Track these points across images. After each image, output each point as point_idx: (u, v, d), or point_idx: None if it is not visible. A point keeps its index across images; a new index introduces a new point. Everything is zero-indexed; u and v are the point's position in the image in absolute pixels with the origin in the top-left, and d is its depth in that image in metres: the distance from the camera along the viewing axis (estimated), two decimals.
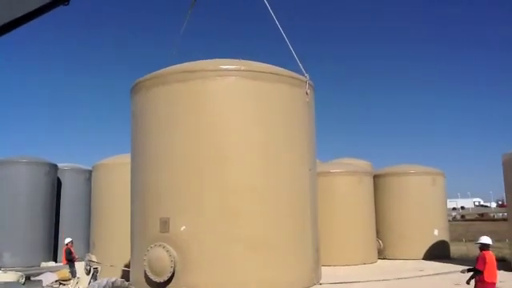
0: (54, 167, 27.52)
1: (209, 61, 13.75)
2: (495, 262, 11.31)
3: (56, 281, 12.74)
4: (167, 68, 13.89)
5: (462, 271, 11.80)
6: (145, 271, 12.95)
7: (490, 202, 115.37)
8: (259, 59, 14.04)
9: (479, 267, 11.07)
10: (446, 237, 27.11)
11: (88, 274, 11.32)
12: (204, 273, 12.61)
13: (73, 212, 27.84)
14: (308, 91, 14.05)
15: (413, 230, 25.77)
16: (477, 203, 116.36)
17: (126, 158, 21.93)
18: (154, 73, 13.92)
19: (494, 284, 11.22)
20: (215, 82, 13.10)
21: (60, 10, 12.52)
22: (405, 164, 28.93)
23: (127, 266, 18.06)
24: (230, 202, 12.81)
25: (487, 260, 11.10)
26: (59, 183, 28.25)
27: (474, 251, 25.40)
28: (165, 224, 12.94)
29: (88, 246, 23.30)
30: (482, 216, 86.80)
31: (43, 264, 18.04)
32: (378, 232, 25.82)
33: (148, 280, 12.99)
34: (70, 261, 17.19)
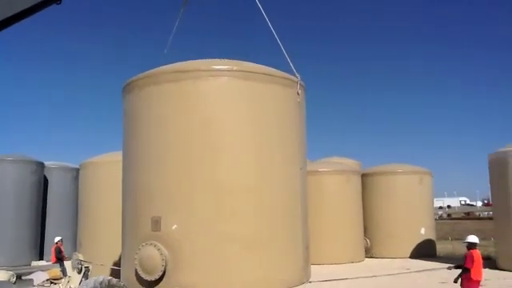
0: (41, 165, 27.42)
1: (201, 61, 13.95)
2: (481, 261, 11.69)
3: (47, 280, 12.82)
4: (160, 68, 14.06)
5: (449, 268, 12.16)
6: (136, 270, 13.13)
7: (476, 200, 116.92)
8: (250, 59, 14.30)
9: (468, 265, 11.42)
10: (432, 235, 27.57)
11: (79, 272, 11.44)
12: (195, 272, 12.82)
13: (60, 211, 27.75)
14: (299, 91, 14.31)
15: (400, 228, 26.16)
16: (463, 202, 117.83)
17: (113, 157, 22.09)
18: (146, 72, 14.08)
19: (479, 282, 11.59)
20: (207, 82, 13.31)
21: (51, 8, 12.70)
22: (392, 163, 29.35)
23: (116, 264, 18.23)
24: (221, 202, 13.04)
25: (475, 258, 11.46)
26: (46, 182, 28.09)
27: (460, 250, 25.95)
28: (156, 223, 13.13)
29: (75, 245, 23.30)
30: (468, 215, 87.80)
31: (34, 263, 18.08)
32: (365, 230, 26.18)
33: (139, 278, 13.16)
34: (60, 259, 17.29)
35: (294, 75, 14.47)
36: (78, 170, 25.55)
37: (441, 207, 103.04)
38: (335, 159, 31.17)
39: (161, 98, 13.55)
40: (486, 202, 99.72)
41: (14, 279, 11.21)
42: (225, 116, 13.30)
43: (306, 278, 14.55)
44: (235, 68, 13.48)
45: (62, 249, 18.97)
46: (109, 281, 10.65)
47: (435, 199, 39.62)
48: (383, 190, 27.17)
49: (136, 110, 14.08)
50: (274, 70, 14.07)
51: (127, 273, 13.78)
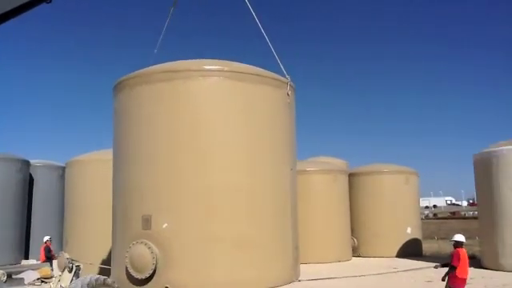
0: (26, 163, 27.15)
1: (192, 61, 14.20)
2: (467, 259, 12.05)
3: (38, 279, 12.94)
4: (151, 67, 14.28)
5: (436, 266, 12.50)
6: (126, 268, 13.38)
7: (462, 200, 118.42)
8: (242, 60, 14.56)
9: (454, 263, 11.76)
10: (418, 235, 27.91)
11: (70, 271, 11.57)
12: (185, 270, 13.12)
13: (45, 209, 27.54)
14: (289, 92, 14.62)
15: (386, 228, 26.40)
16: (449, 202, 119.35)
17: (100, 155, 22.19)
18: (137, 71, 14.30)
19: (465, 280, 11.95)
20: (198, 82, 13.58)
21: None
22: (379, 163, 29.63)
23: (104, 263, 18.34)
24: (211, 201, 13.33)
25: (461, 257, 11.80)
26: (31, 180, 27.84)
27: (446, 249, 26.38)
28: (147, 221, 13.37)
29: (61, 244, 23.28)
30: (454, 214, 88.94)
31: (24, 262, 18.10)
32: (352, 230, 26.38)
33: (129, 277, 13.43)
34: (49, 258, 17.36)
35: (284, 76, 14.76)
36: (63, 169, 25.51)
37: (427, 207, 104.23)
38: (322, 159, 31.36)
39: (151, 98, 13.78)
40: (471, 201, 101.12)
41: (5, 278, 11.31)
42: (215, 116, 13.56)
43: (295, 276, 14.88)
44: (226, 68, 13.75)
45: (52, 248, 19.01)
46: (99, 279, 10.78)
47: (421, 199, 40.11)
48: (370, 189, 27.38)
49: (127, 109, 14.29)
50: (264, 70, 14.36)
51: (118, 271, 13.99)
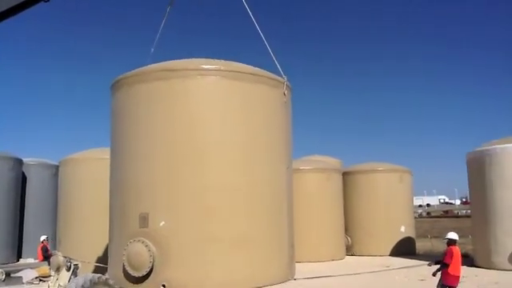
0: (19, 162, 27.14)
1: (190, 60, 14.43)
2: (460, 257, 12.37)
3: (36, 277, 13.11)
4: (149, 66, 14.51)
5: (429, 264, 12.82)
6: (123, 266, 13.58)
7: (455, 199, 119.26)
8: (237, 58, 14.82)
9: (446, 261, 12.09)
10: (412, 233, 28.25)
11: (68, 270, 11.77)
12: (182, 268, 13.36)
13: (38, 208, 27.61)
14: (286, 92, 14.89)
15: (380, 226, 26.71)
16: (442, 200, 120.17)
17: (93, 153, 22.36)
18: (135, 70, 14.51)
19: (458, 277, 12.26)
20: (196, 81, 13.82)
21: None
22: (373, 162, 29.94)
23: (99, 261, 18.52)
24: (208, 200, 13.58)
25: (454, 254, 12.13)
26: (24, 178, 27.85)
27: (439, 247, 26.72)
28: (144, 219, 13.59)
29: (55, 243, 23.37)
30: (447, 213, 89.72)
31: (22, 261, 18.23)
32: (346, 229, 26.66)
33: (126, 275, 13.64)
34: (46, 258, 17.55)
35: (281, 76, 15.03)
36: (57, 167, 25.54)
37: (420, 205, 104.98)
38: (316, 157, 31.54)
39: (149, 96, 14.00)
40: (464, 200, 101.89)
41: (3, 277, 11.49)
42: (212, 115, 13.81)
43: (291, 275, 15.16)
44: (223, 68, 13.99)
45: (49, 247, 19.18)
46: (97, 278, 10.98)
47: (415, 197, 40.46)
48: (364, 188, 27.66)
49: (124, 108, 14.49)
50: (261, 70, 14.62)
51: (115, 269, 14.19)
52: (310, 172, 25.57)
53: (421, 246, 30.02)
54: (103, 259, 18.89)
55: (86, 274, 11.44)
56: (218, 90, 13.94)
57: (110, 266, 14.84)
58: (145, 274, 13.34)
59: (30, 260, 19.69)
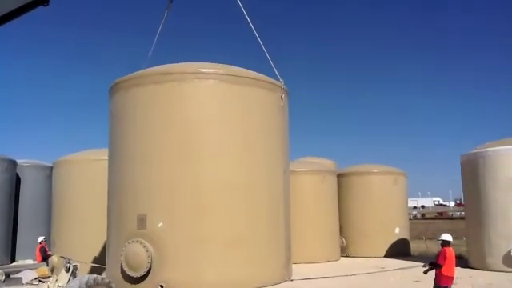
0: (13, 163, 27.14)
1: (187, 63, 14.70)
2: (454, 258, 12.70)
3: (36, 278, 13.30)
4: (146, 69, 14.77)
5: (424, 265, 13.16)
6: (121, 266, 13.84)
7: (449, 201, 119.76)
8: (235, 62, 15.09)
9: (440, 262, 12.43)
10: (406, 235, 28.57)
11: (67, 271, 12.00)
12: (180, 269, 13.64)
13: (32, 210, 27.64)
14: (283, 96, 15.20)
15: (375, 228, 26.96)
16: (436, 202, 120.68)
17: (88, 155, 22.54)
18: (133, 73, 14.76)
19: (452, 278, 12.59)
20: (193, 85, 14.09)
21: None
22: (368, 164, 30.23)
23: (95, 262, 18.74)
24: (205, 202, 13.87)
25: (447, 255, 12.45)
26: (18, 180, 27.86)
27: (433, 249, 27.05)
28: (142, 221, 13.85)
29: (49, 245, 23.49)
30: (441, 215, 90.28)
31: (21, 262, 18.39)
32: (341, 230, 26.90)
33: (124, 275, 13.89)
34: (45, 259, 17.76)
35: (278, 80, 15.33)
36: (51, 169, 25.59)
37: (415, 207, 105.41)
38: (311, 159, 31.72)
39: (147, 100, 14.26)
40: (458, 202, 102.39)
41: (3, 278, 11.69)
42: (209, 118, 14.10)
43: (287, 276, 15.45)
44: (221, 71, 14.27)
45: (47, 248, 19.35)
46: (96, 279, 11.18)
47: (409, 199, 40.70)
48: (358, 190, 27.92)
49: (122, 111, 14.75)
50: (258, 74, 14.92)
51: (112, 270, 14.44)
52: (305, 174, 25.78)
53: (415, 247, 30.34)
54: (98, 260, 19.14)
55: (85, 275, 11.67)
56: (215, 94, 14.21)
57: (107, 267, 15.08)
58: (143, 274, 13.60)
59: (29, 261, 19.83)
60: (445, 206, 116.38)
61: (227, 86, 14.22)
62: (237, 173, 14.17)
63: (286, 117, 15.81)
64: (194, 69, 14.27)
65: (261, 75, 14.97)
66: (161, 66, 14.87)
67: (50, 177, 26.34)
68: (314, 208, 25.25)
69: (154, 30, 16.61)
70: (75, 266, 12.31)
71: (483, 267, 20.05)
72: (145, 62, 15.78)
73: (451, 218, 75.69)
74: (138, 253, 13.57)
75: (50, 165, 26.20)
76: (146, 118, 14.15)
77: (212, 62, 14.67)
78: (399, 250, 27.08)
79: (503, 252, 19.51)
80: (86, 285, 10.68)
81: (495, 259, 19.76)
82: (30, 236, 26.73)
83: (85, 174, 21.77)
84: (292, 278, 15.88)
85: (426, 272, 12.81)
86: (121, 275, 13.93)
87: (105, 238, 18.42)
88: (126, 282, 13.91)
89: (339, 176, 28.20)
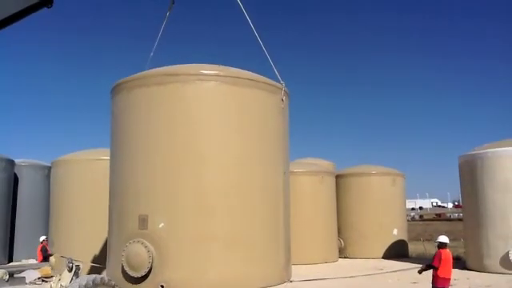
0: (11, 163, 27.31)
1: (190, 65, 14.93)
2: (451, 260, 12.97)
3: (39, 278, 13.48)
4: (149, 70, 15.00)
5: (421, 267, 13.45)
6: (122, 266, 14.04)
7: (447, 202, 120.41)
8: (237, 64, 15.34)
9: (434, 264, 12.76)
10: (404, 236, 28.86)
11: (70, 271, 12.20)
12: (181, 269, 13.82)
13: (30, 210, 27.85)
14: (283, 98, 15.44)
15: (373, 229, 27.24)
16: (434, 204, 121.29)
17: (86, 155, 22.73)
18: (135, 75, 14.97)
19: (447, 279, 12.87)
20: (195, 86, 14.32)
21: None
22: (366, 165, 30.50)
23: (95, 262, 18.95)
24: (207, 202, 14.07)
25: (442, 257, 12.75)
26: (16, 180, 28.03)
27: (431, 250, 27.34)
28: (143, 221, 14.06)
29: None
30: (439, 216, 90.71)
31: (24, 261, 18.57)
32: (339, 231, 27.17)
33: (125, 275, 14.08)
34: (46, 258, 17.99)
35: (279, 82, 15.57)
36: (49, 168, 25.75)
37: (413, 208, 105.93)
38: (309, 160, 32.00)
39: (149, 101, 14.47)
40: (456, 203, 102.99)
41: (7, 277, 11.89)
42: (211, 119, 14.32)
43: (287, 277, 15.68)
44: (222, 73, 14.50)
45: (48, 248, 19.55)
46: (99, 279, 11.35)
47: (407, 200, 41.01)
48: (357, 191, 28.17)
49: (124, 112, 14.95)
50: (259, 76, 15.15)
51: (113, 270, 14.64)
52: (304, 175, 26.01)
53: (413, 248, 30.62)
54: (96, 260, 19.34)
55: (88, 275, 11.88)
56: (216, 95, 14.42)
57: (108, 267, 15.28)
58: (144, 274, 13.75)
59: (32, 261, 20.01)
60: (443, 207, 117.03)
61: (228, 87, 14.44)
62: (238, 174, 14.39)
63: (287, 118, 16.06)
64: (195, 70, 14.48)
65: (262, 77, 15.19)
66: (163, 68, 15.08)
67: (48, 176, 26.50)
68: (313, 209, 25.48)
69: (151, 34, 16.81)
70: (78, 265, 12.48)
71: (481, 269, 20.30)
72: (147, 63, 16.01)
73: (449, 220, 76.17)
74: (139, 253, 13.77)
75: (48, 164, 26.33)
76: (149, 119, 14.36)
77: (213, 64, 14.91)
78: (397, 252, 27.34)
79: (501, 254, 19.75)
80: (89, 285, 10.85)
81: (493, 261, 20.00)
82: (27, 236, 26.96)
83: (83, 173, 21.94)
84: (291, 280, 16.12)
85: (420, 271, 13.12)
86: (122, 275, 14.09)
87: (103, 238, 18.70)
88: (126, 282, 14.09)
89: (337, 177, 28.45)
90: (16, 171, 28.09)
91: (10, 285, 11.92)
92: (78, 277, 12.10)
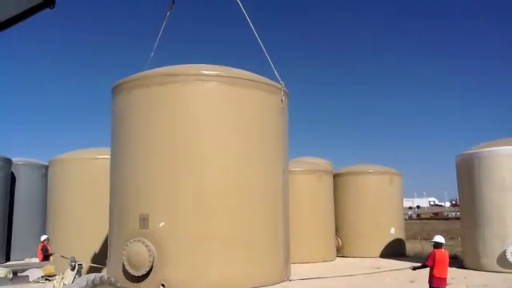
0: (8, 162, 27.43)
1: (190, 65, 15.15)
2: (447, 259, 13.20)
3: (42, 276, 13.61)
4: (150, 70, 15.21)
5: (413, 268, 13.75)
6: (123, 265, 14.29)
7: (445, 201, 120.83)
8: (237, 65, 15.57)
9: (428, 263, 13.06)
10: (402, 235, 28.99)
11: (73, 270, 12.37)
12: (181, 268, 14.09)
13: (28, 209, 27.98)
14: (283, 98, 15.69)
15: (370, 228, 27.33)
16: (432, 203, 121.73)
17: (83, 154, 22.88)
18: (136, 75, 15.19)
19: (443, 279, 13.11)
20: (195, 86, 14.56)
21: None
22: (364, 164, 30.65)
23: (94, 261, 19.17)
24: (207, 202, 14.34)
25: (436, 257, 13.00)
26: (13, 179, 28.13)
27: (429, 249, 27.35)
28: (144, 220, 14.31)
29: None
30: (437, 215, 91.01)
31: (27, 260, 18.65)
32: (336, 230, 27.33)
33: (126, 274, 14.34)
34: (47, 257, 18.17)
35: (279, 82, 15.82)
36: (46, 167, 25.83)
37: (410, 207, 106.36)
38: (307, 159, 32.02)
39: (149, 101, 14.70)
40: (453, 202, 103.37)
41: (11, 276, 12.01)
42: (211, 119, 14.57)
43: (286, 276, 15.94)
44: (222, 73, 14.74)
45: (49, 247, 19.69)
46: (102, 278, 11.52)
47: (405, 199, 41.19)
48: (354, 190, 28.25)
49: (124, 112, 15.17)
50: (259, 76, 15.39)
51: (114, 268, 14.87)
52: (301, 173, 26.04)
53: (411, 247, 30.75)
54: (94, 259, 19.54)
55: (90, 274, 12.06)
56: (216, 95, 14.66)
57: (109, 266, 15.50)
58: (144, 273, 14.01)
59: (35, 260, 20.11)
60: (440, 206, 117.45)
61: (228, 87, 14.67)
62: (237, 174, 14.63)
63: (286, 118, 16.31)
64: (195, 71, 14.70)
65: (261, 77, 15.43)
66: (164, 68, 15.30)
67: (45, 175, 26.51)
68: (310, 208, 25.54)
69: (151, 34, 17.05)
70: (80, 264, 12.63)
71: (478, 268, 20.43)
72: (148, 63, 16.23)
73: (446, 219, 76.44)
74: (139, 252, 14.01)
75: (46, 163, 26.38)
76: (149, 119, 14.58)
77: (213, 64, 15.13)
78: (394, 251, 27.47)
79: (498, 252, 19.89)
80: (91, 284, 11.01)
81: (490, 260, 20.13)
82: (24, 235, 27.09)
83: (80, 172, 22.01)
84: (291, 278, 16.36)
85: (414, 268, 13.40)
86: (122, 274, 14.33)
87: (101, 237, 18.93)
88: (127, 281, 14.33)
89: (335, 176, 28.56)
90: (13, 170, 28.11)
91: (14, 283, 12.06)
92: (80, 276, 12.23)
